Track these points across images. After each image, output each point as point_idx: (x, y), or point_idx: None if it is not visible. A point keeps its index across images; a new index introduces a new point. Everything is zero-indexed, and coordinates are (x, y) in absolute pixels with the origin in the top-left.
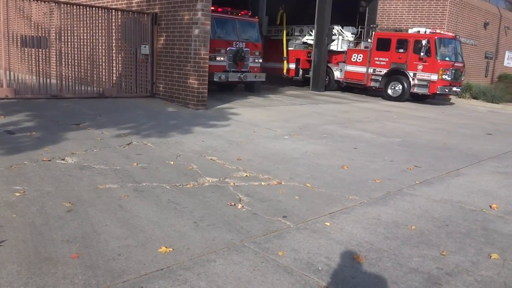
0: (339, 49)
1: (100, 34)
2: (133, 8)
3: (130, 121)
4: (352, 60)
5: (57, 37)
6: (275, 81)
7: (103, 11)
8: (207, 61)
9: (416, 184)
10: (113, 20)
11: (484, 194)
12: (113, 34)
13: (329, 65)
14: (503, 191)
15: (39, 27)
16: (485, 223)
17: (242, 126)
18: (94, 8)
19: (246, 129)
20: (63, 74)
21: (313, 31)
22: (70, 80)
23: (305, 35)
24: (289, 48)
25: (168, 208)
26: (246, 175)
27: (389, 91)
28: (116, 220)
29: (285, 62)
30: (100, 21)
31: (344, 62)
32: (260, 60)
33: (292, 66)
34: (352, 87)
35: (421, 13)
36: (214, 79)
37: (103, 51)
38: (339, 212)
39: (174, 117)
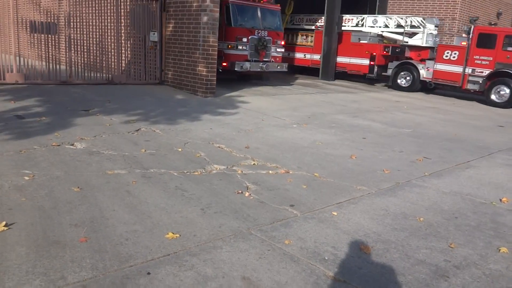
0: (424, 44)
1: (109, 20)
2: None
3: (139, 108)
4: (444, 57)
5: (66, 23)
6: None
7: None
8: (216, 48)
9: (425, 175)
10: (122, 7)
11: (494, 187)
12: (122, 20)
13: (413, 62)
14: None
15: (49, 13)
16: (495, 216)
17: (251, 115)
18: None
19: (254, 117)
20: (73, 60)
21: (389, 21)
22: (79, 66)
23: (379, 26)
24: (361, 41)
25: (175, 194)
26: (254, 164)
27: (493, 96)
28: (124, 205)
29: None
30: (109, 7)
31: (431, 59)
32: (282, 50)
33: (365, 62)
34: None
35: (433, 1)
36: (235, 69)
37: (112, 37)
38: (346, 202)
39: (182, 104)
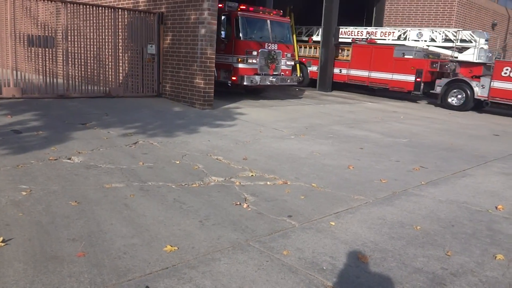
0: (476, 60)
1: (106, 33)
2: (140, 8)
3: (137, 121)
4: (503, 74)
5: (64, 36)
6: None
7: (110, 10)
8: (214, 60)
9: (422, 184)
10: (120, 20)
11: (490, 195)
12: (120, 33)
13: (465, 79)
14: (509, 192)
15: (46, 26)
16: (491, 224)
17: (248, 126)
18: (100, 8)
19: (252, 129)
20: (70, 73)
21: (436, 35)
22: (76, 80)
23: (425, 40)
24: (406, 56)
25: (173, 207)
26: (252, 175)
27: None
28: (122, 219)
29: (297, 66)
30: (106, 20)
31: (486, 76)
32: (292, 63)
33: (410, 78)
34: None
35: (428, 13)
36: (245, 83)
37: (110, 50)
38: (344, 212)
39: (180, 116)
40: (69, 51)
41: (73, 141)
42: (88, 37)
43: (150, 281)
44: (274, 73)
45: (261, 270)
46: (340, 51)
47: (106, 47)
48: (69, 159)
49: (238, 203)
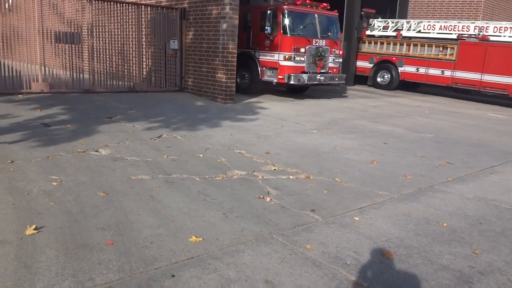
0: None
1: (130, 29)
2: (162, 4)
3: (160, 115)
4: None
5: (89, 33)
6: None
7: (133, 6)
8: (235, 55)
9: (448, 181)
10: (143, 16)
11: None
12: (143, 29)
13: None
14: None
15: (72, 23)
16: None
17: (270, 120)
18: (124, 4)
19: (274, 123)
20: (95, 69)
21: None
22: (102, 75)
23: None
24: None
25: (198, 199)
26: (275, 169)
27: None
28: (148, 209)
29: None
30: (130, 16)
31: None
32: (340, 60)
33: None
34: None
35: (455, 4)
36: (292, 82)
37: (134, 46)
38: (368, 207)
39: (202, 111)
40: (95, 47)
41: (100, 134)
42: (112, 33)
43: (176, 270)
44: (322, 71)
45: (284, 263)
46: (440, 48)
47: (130, 42)
48: (97, 151)
49: (261, 196)
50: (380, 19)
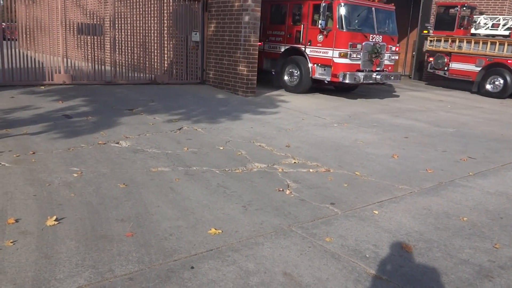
0: None
1: (152, 21)
2: None
3: (181, 107)
4: None
5: (111, 24)
6: None
7: None
8: (257, 48)
9: (469, 175)
10: (165, 8)
11: None
12: (165, 21)
13: None
14: None
15: (94, 15)
16: None
17: (291, 114)
18: None
19: (294, 116)
20: (117, 61)
21: None
22: (123, 67)
23: None
24: None
25: (217, 191)
26: (295, 162)
27: None
28: (168, 201)
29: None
30: (152, 8)
31: None
32: (396, 57)
33: None
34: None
35: None
36: (347, 81)
37: (155, 38)
38: (388, 201)
39: (223, 103)
40: (116, 39)
41: (121, 126)
42: (134, 25)
43: (195, 262)
44: (377, 69)
45: (303, 256)
46: None
47: (152, 34)
48: (117, 143)
49: (281, 189)
50: (485, 16)
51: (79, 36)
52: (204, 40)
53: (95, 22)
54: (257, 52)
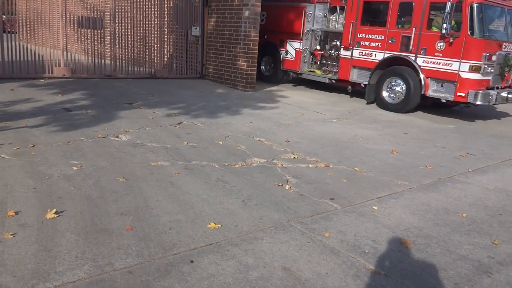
0: None
1: (152, 15)
2: None
3: (181, 102)
4: None
5: (112, 18)
6: None
7: None
8: (257, 43)
9: (468, 171)
10: (165, 2)
11: None
12: (165, 16)
13: None
14: None
15: (95, 8)
16: None
17: (290, 109)
18: None
19: (294, 111)
20: (117, 54)
21: None
22: (123, 61)
23: None
24: None
25: (217, 186)
26: (294, 157)
27: None
28: (168, 196)
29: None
30: (152, 2)
31: None
32: None
33: None
34: None
35: None
36: (478, 102)
37: (155, 32)
38: (387, 197)
39: (223, 98)
40: (116, 32)
41: (120, 120)
42: (134, 19)
43: (194, 256)
44: (506, 85)
45: (302, 250)
46: None
47: (152, 29)
48: (117, 137)
49: (280, 184)
50: None
51: (79, 29)
52: (204, 34)
53: (95, 16)
54: (257, 47)
